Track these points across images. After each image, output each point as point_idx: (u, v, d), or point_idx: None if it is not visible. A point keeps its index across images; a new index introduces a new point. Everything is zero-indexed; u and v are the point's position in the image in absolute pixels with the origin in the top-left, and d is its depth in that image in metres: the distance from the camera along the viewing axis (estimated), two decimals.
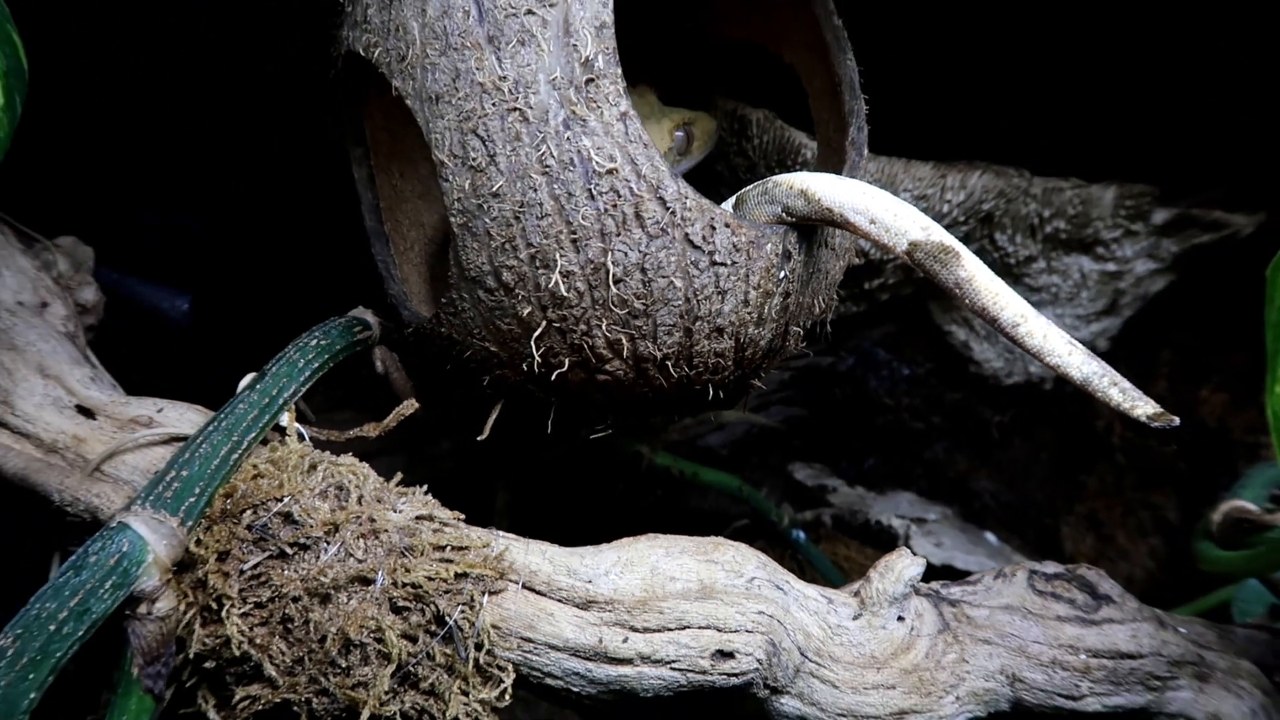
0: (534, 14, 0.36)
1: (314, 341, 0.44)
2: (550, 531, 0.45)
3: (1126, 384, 0.35)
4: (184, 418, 0.42)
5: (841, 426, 0.86)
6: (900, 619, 0.42)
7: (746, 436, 0.84)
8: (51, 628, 0.33)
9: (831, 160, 0.51)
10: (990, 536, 0.87)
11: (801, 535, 0.79)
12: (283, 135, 0.56)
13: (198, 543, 0.36)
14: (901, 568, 0.42)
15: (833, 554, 0.82)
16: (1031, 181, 0.65)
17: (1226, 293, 0.82)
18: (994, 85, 0.79)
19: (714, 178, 0.68)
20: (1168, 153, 0.79)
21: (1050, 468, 0.92)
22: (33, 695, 0.32)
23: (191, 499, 0.36)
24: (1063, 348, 0.36)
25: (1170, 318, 0.83)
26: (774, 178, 0.41)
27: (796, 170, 0.61)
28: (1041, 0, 0.74)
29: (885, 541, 0.83)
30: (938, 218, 0.63)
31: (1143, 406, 0.35)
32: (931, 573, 0.48)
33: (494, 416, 0.46)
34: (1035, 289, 0.74)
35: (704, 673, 0.38)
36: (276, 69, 0.54)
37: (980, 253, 0.70)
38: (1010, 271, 0.72)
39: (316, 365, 0.44)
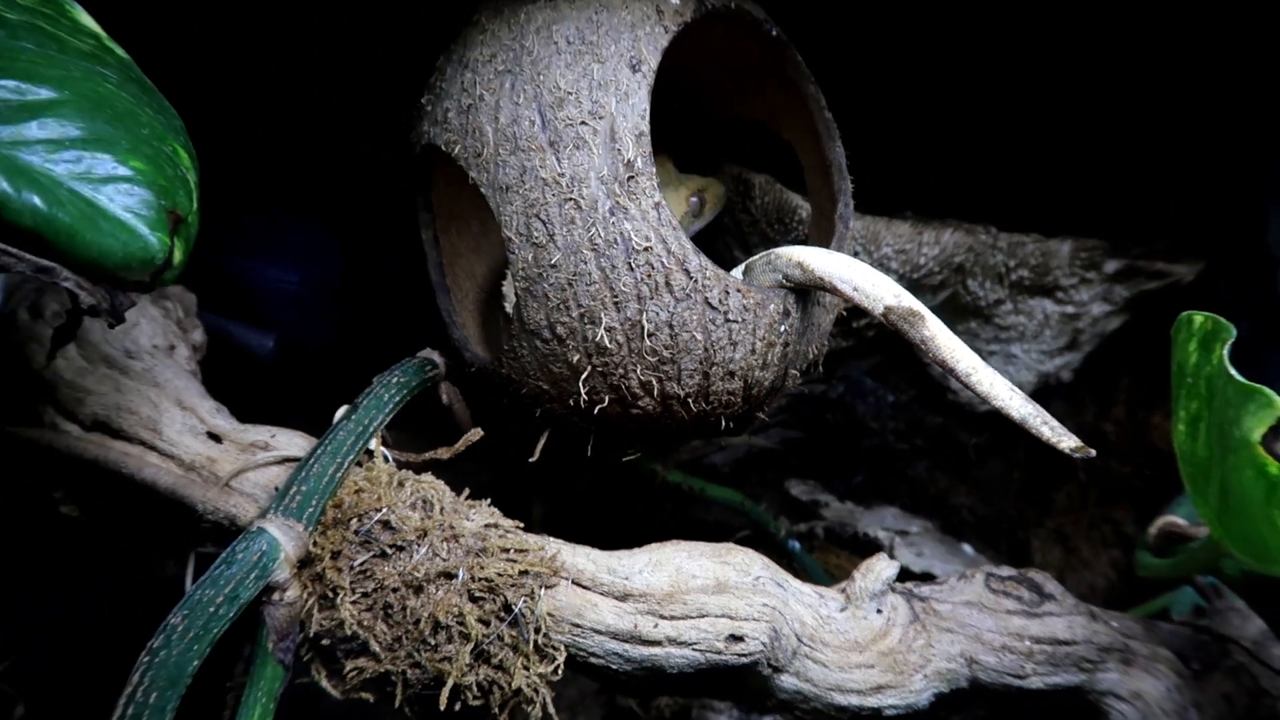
0: (586, 125, 0.46)
1: (395, 379, 0.54)
2: (579, 539, 0.54)
3: (1055, 423, 0.45)
4: (292, 442, 0.51)
5: (833, 447, 0.95)
6: (879, 611, 0.51)
7: (747, 456, 0.93)
8: (210, 609, 0.42)
9: (822, 225, 0.61)
10: (967, 548, 0.96)
11: (797, 545, 0.88)
12: (366, 205, 0.66)
13: (315, 544, 0.45)
14: (880, 569, 0.51)
15: (825, 562, 0.90)
16: (998, 237, 0.74)
17: (1168, 328, 0.92)
18: (967, 151, 0.88)
19: (722, 230, 0.78)
20: (1122, 209, 0.89)
21: (1023, 485, 1.01)
22: (195, 662, 0.41)
23: (310, 509, 0.45)
24: (1005, 393, 0.45)
25: (1128, 351, 0.92)
26: (776, 250, 0.50)
27: (793, 228, 0.71)
28: (1006, 77, 0.84)
29: (872, 551, 0.91)
30: (916, 268, 0.73)
31: (1067, 441, 0.44)
32: (912, 579, 0.56)
33: (543, 442, 0.55)
34: (1004, 327, 0.83)
35: (719, 653, 0.47)
36: (363, 152, 0.63)
37: (954, 296, 0.79)
38: (981, 312, 0.82)
39: (398, 398, 0.53)
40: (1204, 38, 0.81)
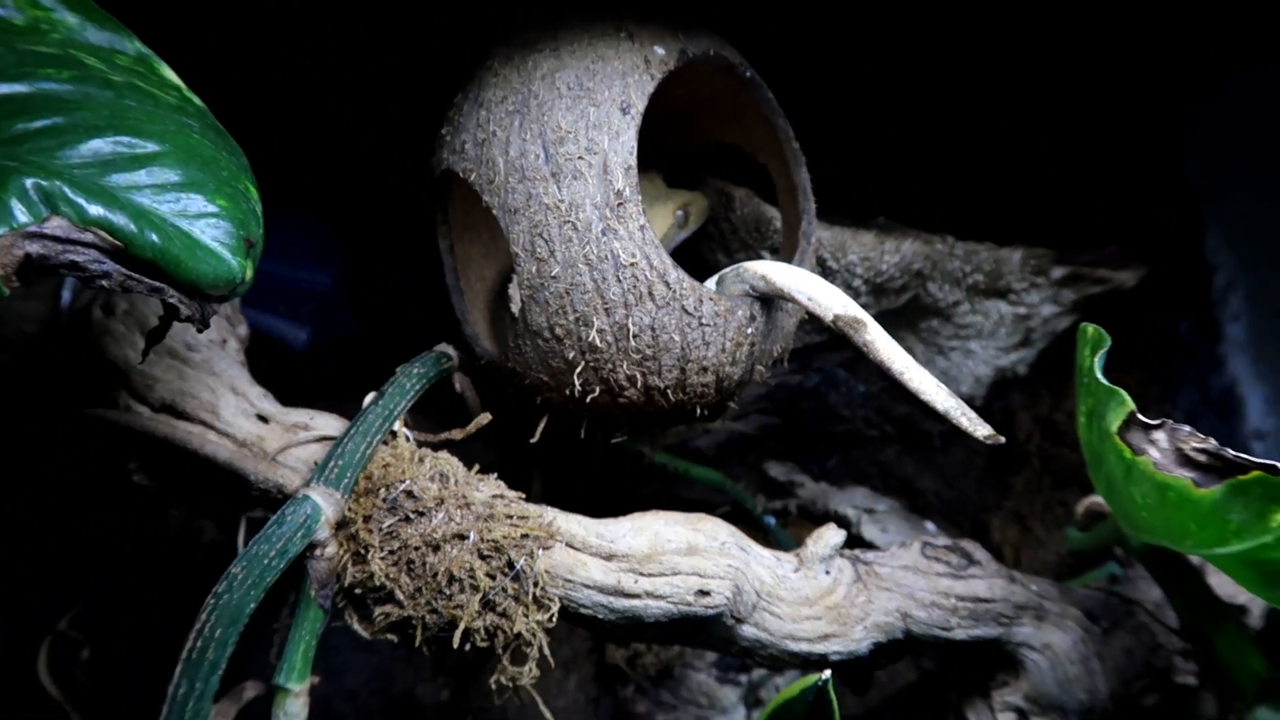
0: (583, 159, 0.54)
1: (415, 369, 0.62)
2: (573, 509, 0.62)
3: (972, 414, 0.53)
4: (329, 423, 0.59)
5: (808, 433, 1.03)
6: (827, 573, 0.59)
7: (729, 440, 1.02)
8: (264, 561, 0.50)
9: (790, 238, 0.69)
10: (930, 525, 1.05)
11: (772, 520, 0.96)
12: (389, 216, 0.75)
13: (350, 509, 0.54)
14: (829, 537, 0.60)
15: (798, 536, 0.99)
16: (954, 245, 0.83)
17: (1122, 327, 1.00)
18: (936, 163, 0.97)
19: (707, 236, 0.86)
20: (1076, 218, 0.97)
21: (983, 471, 1.10)
22: (252, 605, 0.50)
23: (346, 479, 0.54)
24: (931, 388, 0.54)
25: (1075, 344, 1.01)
26: (745, 264, 0.59)
27: (769, 237, 0.79)
28: (970, 94, 0.92)
29: (841, 527, 1.00)
30: (879, 274, 0.81)
31: (981, 429, 0.52)
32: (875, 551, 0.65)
33: (542, 426, 0.64)
34: (963, 326, 0.91)
35: (689, 605, 0.56)
36: (388, 171, 0.72)
37: (916, 298, 0.88)
38: (941, 312, 0.90)
39: (418, 386, 0.61)
40: (1151, 51, 0.89)
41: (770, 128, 0.65)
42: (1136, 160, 0.94)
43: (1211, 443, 0.38)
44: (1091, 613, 0.64)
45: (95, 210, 0.36)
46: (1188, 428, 0.39)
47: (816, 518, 1.02)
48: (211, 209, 0.41)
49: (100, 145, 0.40)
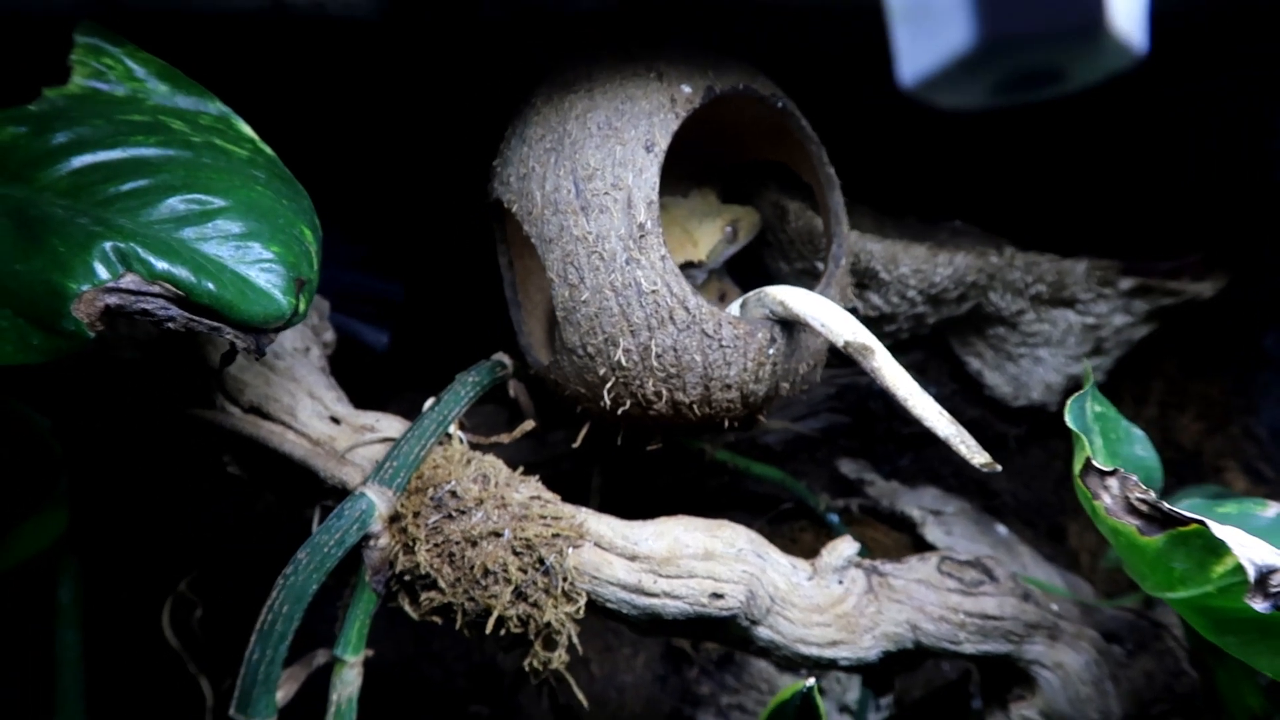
0: (609, 194, 0.59)
1: (471, 377, 0.69)
2: (633, 506, 0.67)
3: (972, 440, 0.55)
4: (392, 426, 0.66)
5: (877, 432, 1.05)
6: (840, 583, 0.63)
7: (798, 437, 1.05)
8: (325, 549, 0.58)
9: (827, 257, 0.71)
10: (1001, 529, 1.05)
11: (835, 518, 0.99)
12: (458, 237, 0.82)
13: (402, 505, 0.61)
14: (842, 549, 0.63)
15: (863, 535, 1.01)
16: (1014, 257, 0.83)
17: (1209, 335, 0.97)
18: (1012, 170, 0.96)
19: (766, 245, 0.89)
20: (1156, 224, 0.95)
21: (1062, 473, 1.09)
22: (314, 586, 0.57)
23: (399, 479, 0.61)
24: (934, 415, 0.56)
25: (1160, 352, 0.98)
26: (766, 289, 0.62)
27: (820, 249, 0.82)
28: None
29: (906, 527, 1.02)
30: (932, 285, 0.82)
31: (979, 457, 0.54)
32: None
33: (584, 432, 0.69)
34: (1029, 334, 0.91)
35: (704, 606, 0.60)
36: (453, 196, 0.79)
37: (978, 306, 0.88)
38: (1006, 321, 0.90)
39: (473, 393, 0.68)
40: (1237, 52, 0.85)
41: (805, 152, 0.68)
42: (1224, 167, 0.91)
43: (1151, 494, 0.40)
44: (1115, 634, 0.65)
45: (161, 265, 0.44)
46: (1135, 477, 0.41)
47: (883, 517, 1.04)
48: (267, 255, 0.48)
49: (175, 203, 0.47)
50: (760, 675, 0.99)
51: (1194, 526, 0.38)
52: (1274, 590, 0.35)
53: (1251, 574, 0.36)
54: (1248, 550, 0.36)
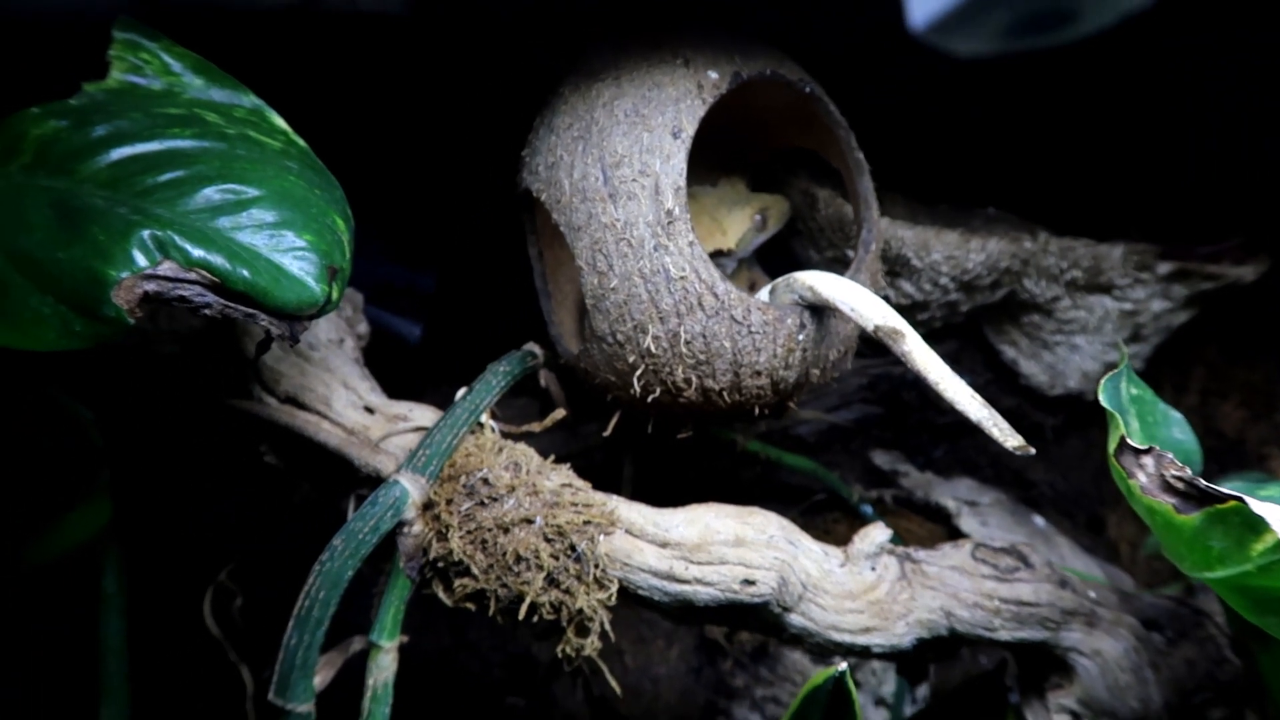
0: (637, 181, 0.59)
1: (502, 367, 0.69)
2: (665, 497, 0.67)
3: (1004, 423, 0.54)
4: (425, 415, 0.67)
5: (911, 423, 1.04)
6: (872, 569, 0.62)
7: (831, 428, 1.05)
8: (360, 536, 0.58)
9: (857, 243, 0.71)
10: (1038, 520, 1.04)
11: (869, 509, 0.98)
12: (488, 228, 0.83)
13: (435, 493, 0.62)
14: (874, 535, 0.62)
15: (897, 526, 1.01)
16: (1049, 242, 0.82)
17: (1255, 319, 0.95)
18: (1052, 154, 0.95)
19: (796, 234, 0.89)
20: (1199, 206, 0.93)
21: (1101, 463, 1.07)
22: (350, 572, 0.58)
23: (432, 467, 0.61)
24: (966, 398, 0.55)
25: (1201, 338, 0.96)
26: (795, 274, 0.62)
27: (851, 236, 0.81)
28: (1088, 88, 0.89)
29: (941, 518, 1.01)
30: (965, 272, 0.82)
31: (1012, 440, 0.54)
32: None
33: (614, 421, 0.69)
34: (1065, 321, 0.90)
35: (735, 593, 0.60)
36: (485, 188, 0.80)
37: (1013, 293, 0.87)
38: (1041, 308, 0.89)
39: (504, 382, 0.68)
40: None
41: (834, 137, 0.67)
42: (1265, 147, 0.89)
43: (1187, 471, 0.39)
44: (1155, 622, 0.64)
45: (198, 253, 0.44)
46: (1170, 455, 0.40)
47: (917, 508, 1.03)
48: (300, 243, 0.49)
49: (211, 193, 0.48)
50: (795, 667, 0.99)
51: (1232, 504, 0.37)
52: None
53: None
54: None
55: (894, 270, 0.84)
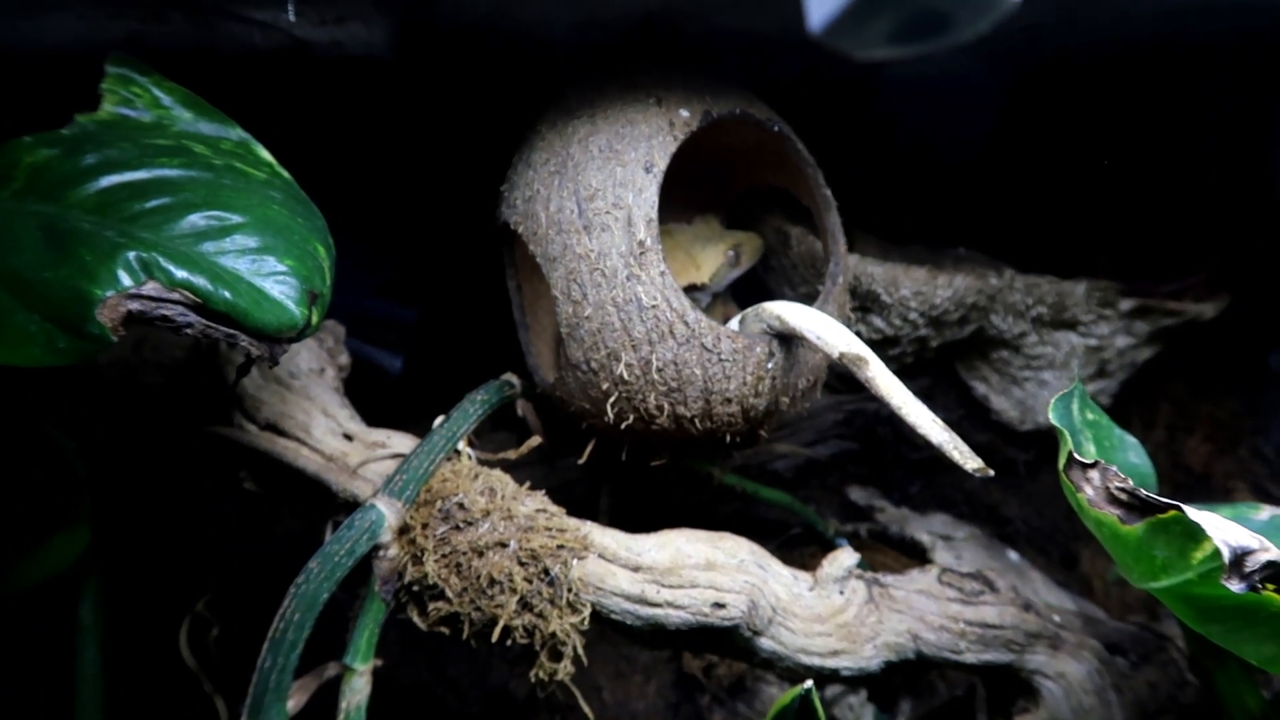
0: (610, 213, 0.61)
1: (480, 396, 0.70)
2: (642, 530, 0.68)
3: (965, 446, 0.56)
4: (403, 442, 0.68)
5: (886, 459, 1.06)
6: (841, 593, 0.63)
7: (807, 463, 1.06)
8: (335, 559, 0.59)
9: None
10: (1012, 554, 1.05)
11: (844, 543, 1.00)
12: (470, 263, 0.85)
13: (411, 517, 0.62)
14: (843, 559, 0.64)
15: (872, 561, 1.02)
16: (1014, 279, 0.84)
17: (1218, 355, 0.98)
18: (1017, 194, 0.98)
19: (771, 270, 0.91)
20: (1162, 245, 0.96)
21: None
22: (325, 595, 0.59)
23: (408, 491, 0.63)
24: (927, 422, 0.57)
25: (1167, 374, 0.99)
26: (763, 304, 0.64)
27: (823, 273, 0.84)
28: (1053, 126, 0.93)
29: (916, 553, 1.02)
30: (933, 307, 0.84)
31: (972, 462, 0.55)
32: None
33: (590, 448, 0.71)
34: (1033, 357, 0.92)
35: (706, 616, 0.61)
36: (463, 223, 0.82)
37: (980, 329, 0.90)
38: (1009, 344, 0.91)
39: (482, 410, 0.69)
40: (1240, 70, 0.87)
41: (802, 175, 0.70)
42: (1227, 186, 0.92)
43: (1129, 482, 0.41)
44: (1119, 646, 0.65)
45: (181, 274, 0.46)
46: (1115, 468, 0.42)
47: (892, 542, 1.04)
48: (281, 268, 0.51)
49: (197, 219, 0.50)
50: (772, 701, 0.99)
51: (1172, 513, 0.39)
52: (1249, 571, 0.36)
53: (1226, 555, 0.36)
54: (1223, 533, 0.37)
55: (865, 306, 0.86)
